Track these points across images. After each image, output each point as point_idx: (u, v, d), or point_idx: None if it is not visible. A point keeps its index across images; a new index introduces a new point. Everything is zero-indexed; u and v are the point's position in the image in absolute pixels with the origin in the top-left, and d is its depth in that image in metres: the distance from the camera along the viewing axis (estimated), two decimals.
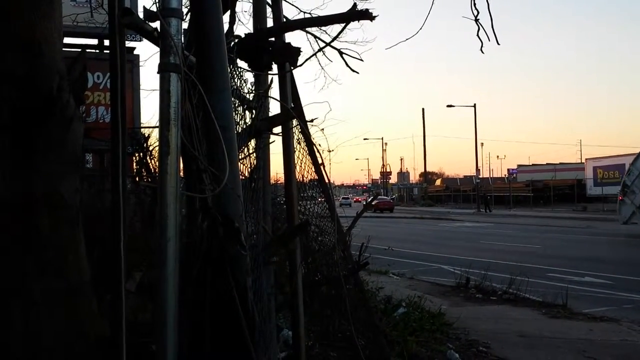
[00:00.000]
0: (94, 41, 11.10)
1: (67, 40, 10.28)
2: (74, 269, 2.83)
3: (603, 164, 47.28)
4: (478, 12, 4.48)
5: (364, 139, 64.44)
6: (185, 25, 2.59)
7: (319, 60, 8.47)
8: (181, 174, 2.60)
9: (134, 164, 9.58)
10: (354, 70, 7.15)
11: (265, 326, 3.13)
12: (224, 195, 2.21)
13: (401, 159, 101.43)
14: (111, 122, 2.23)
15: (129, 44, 10.45)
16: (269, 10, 4.34)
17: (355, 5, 3.41)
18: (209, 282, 2.10)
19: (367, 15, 3.35)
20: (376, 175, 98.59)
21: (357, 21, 3.52)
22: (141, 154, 9.29)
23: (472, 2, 4.40)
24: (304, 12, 8.10)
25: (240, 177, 3.32)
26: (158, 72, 2.06)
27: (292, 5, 8.46)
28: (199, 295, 2.12)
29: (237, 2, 4.44)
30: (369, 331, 5.46)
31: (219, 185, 2.16)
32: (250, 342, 2.10)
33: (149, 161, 8.88)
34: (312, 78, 9.65)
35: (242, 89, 3.22)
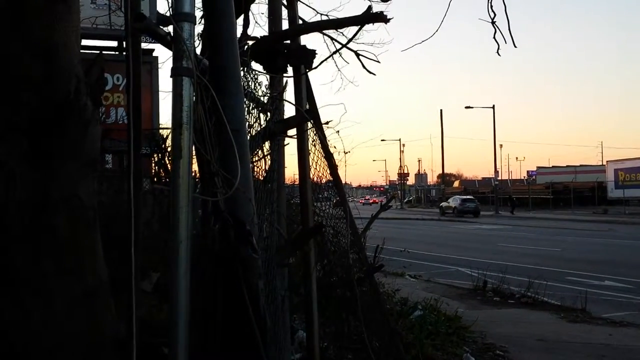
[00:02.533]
0: (114, 43, 11.25)
1: (87, 42, 10.43)
2: (91, 270, 2.85)
3: (625, 166, 46.61)
4: (495, 14, 4.44)
5: (382, 140, 64.26)
6: (201, 28, 2.61)
7: (335, 62, 8.50)
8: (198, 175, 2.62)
9: (153, 164, 9.65)
10: (370, 72, 7.13)
11: (278, 328, 3.15)
12: (235, 198, 2.22)
13: (419, 160, 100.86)
14: (127, 124, 2.25)
15: (147, 45, 10.55)
16: (285, 12, 4.35)
17: (370, 7, 3.41)
18: (220, 285, 2.11)
19: (381, 17, 3.35)
20: (394, 177, 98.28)
21: (372, 24, 3.51)
22: (159, 154, 9.37)
23: (489, 4, 4.37)
24: (321, 14, 8.13)
25: (256, 178, 3.35)
26: (171, 76, 2.08)
27: (309, 7, 8.48)
28: (211, 297, 2.13)
29: (254, 4, 4.46)
30: (385, 333, 5.44)
31: (231, 188, 2.17)
32: (261, 344, 2.11)
33: (167, 162, 8.94)
34: (328, 80, 9.67)
35: (256, 91, 3.23)
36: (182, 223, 2.03)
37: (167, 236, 2.12)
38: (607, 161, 53.12)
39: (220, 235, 2.16)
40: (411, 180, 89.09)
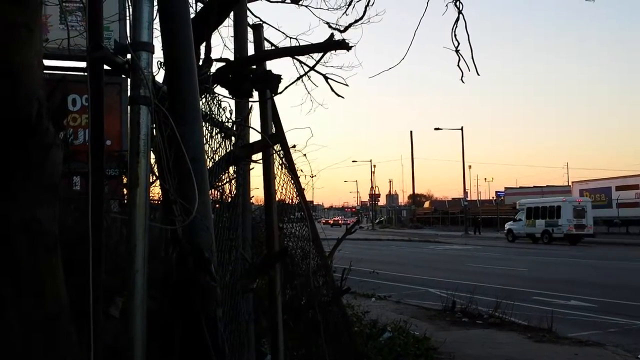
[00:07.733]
0: (83, 64, 11.10)
1: (55, 63, 10.29)
2: (51, 296, 2.80)
3: (589, 187, 47.58)
4: (459, 43, 4.56)
5: (353, 161, 64.72)
6: (161, 55, 2.61)
7: (305, 85, 8.56)
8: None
9: (122, 186, 9.48)
10: (339, 95, 7.22)
11: (242, 353, 3.12)
12: (193, 226, 2.21)
13: (390, 181, 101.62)
14: (89, 148, 2.24)
15: None
16: (251, 35, 4.39)
17: (332, 35, 3.47)
18: (179, 313, 2.10)
19: (343, 45, 3.41)
20: (365, 198, 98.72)
21: (334, 51, 3.58)
22: None
23: (453, 33, 4.48)
24: (290, 38, 8.23)
25: (222, 202, 3.34)
26: (129, 105, 2.08)
27: (279, 30, 8.59)
28: (169, 326, 2.11)
29: (223, 27, 4.48)
30: (352, 356, 5.44)
31: (189, 216, 2.17)
32: None
33: None
34: (298, 102, 9.70)
35: (220, 116, 3.24)
36: (139, 252, 2.02)
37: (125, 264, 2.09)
38: (572, 182, 54.09)
39: (179, 263, 2.15)
40: (382, 201, 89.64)
